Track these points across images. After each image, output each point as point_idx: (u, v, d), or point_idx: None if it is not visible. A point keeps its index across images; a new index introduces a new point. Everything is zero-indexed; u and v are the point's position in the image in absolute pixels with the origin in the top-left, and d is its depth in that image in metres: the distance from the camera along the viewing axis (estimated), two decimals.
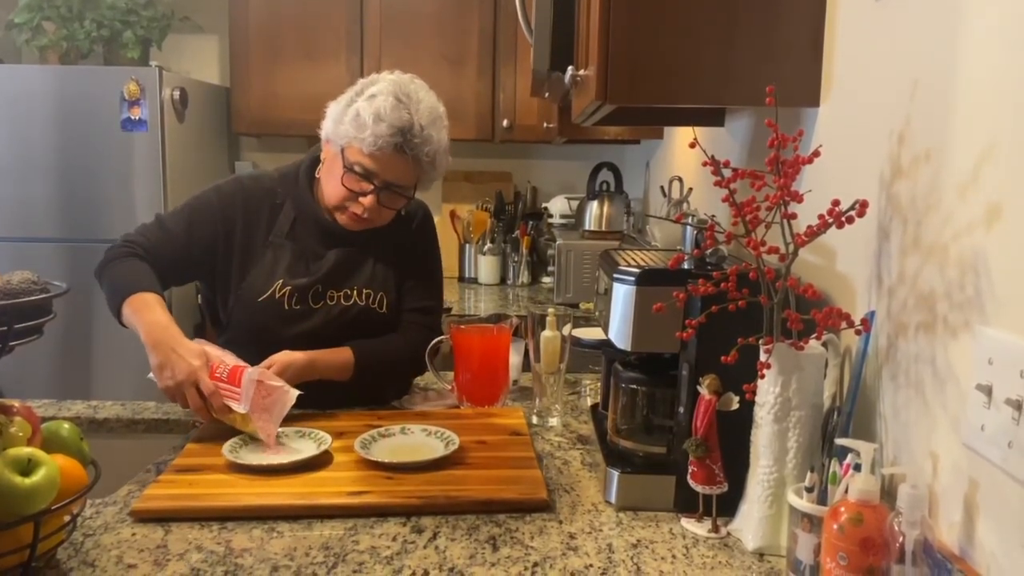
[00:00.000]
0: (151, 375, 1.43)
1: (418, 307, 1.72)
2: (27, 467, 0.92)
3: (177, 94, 3.17)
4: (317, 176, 1.65)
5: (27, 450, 0.93)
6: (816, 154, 1.06)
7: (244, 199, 1.64)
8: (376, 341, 1.64)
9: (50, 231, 3.15)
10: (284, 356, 1.51)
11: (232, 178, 1.71)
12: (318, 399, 1.56)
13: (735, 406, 1.09)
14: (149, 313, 1.48)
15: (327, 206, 1.62)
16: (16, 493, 0.89)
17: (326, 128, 1.59)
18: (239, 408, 1.37)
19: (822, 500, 0.98)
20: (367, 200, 1.55)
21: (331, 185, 1.59)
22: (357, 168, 1.54)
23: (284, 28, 3.42)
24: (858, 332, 1.00)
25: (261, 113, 3.45)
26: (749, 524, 1.09)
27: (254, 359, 1.50)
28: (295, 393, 1.43)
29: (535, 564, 1.04)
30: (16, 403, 1.04)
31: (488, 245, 3.64)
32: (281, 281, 1.59)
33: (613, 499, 1.22)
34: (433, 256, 1.79)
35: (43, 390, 2.98)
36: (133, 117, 3.08)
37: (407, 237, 1.72)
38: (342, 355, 1.59)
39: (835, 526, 0.89)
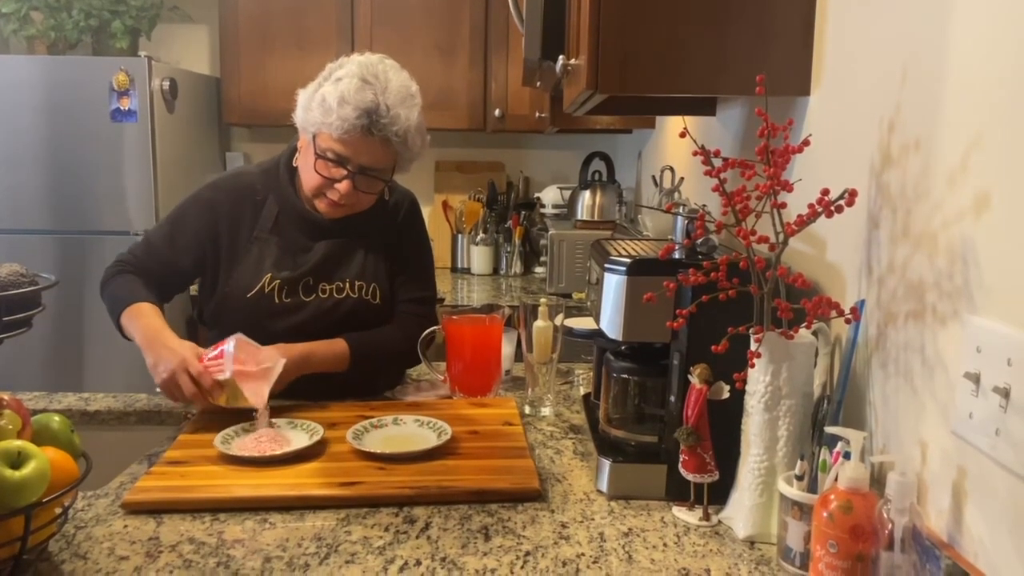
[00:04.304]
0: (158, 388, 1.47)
1: (413, 298, 1.72)
2: (17, 460, 0.92)
3: (167, 84, 3.15)
4: (295, 166, 1.64)
5: (17, 443, 0.93)
6: (806, 143, 1.06)
7: (224, 200, 1.64)
8: (371, 332, 1.64)
9: (39, 223, 3.14)
10: (278, 349, 1.51)
11: (210, 182, 1.70)
12: (310, 390, 1.56)
13: (726, 395, 1.10)
14: (142, 319, 1.53)
15: (307, 195, 1.61)
16: (6, 486, 0.89)
17: (298, 116, 1.59)
18: (223, 376, 1.39)
19: (812, 488, 0.98)
20: (342, 186, 1.54)
21: (307, 173, 1.58)
22: (329, 154, 1.54)
23: (274, 18, 3.40)
24: (848, 321, 1.00)
25: (252, 103, 3.44)
26: (740, 512, 1.10)
27: None
28: (282, 360, 1.44)
29: (527, 553, 1.04)
30: (6, 396, 1.04)
31: (481, 235, 3.64)
32: (269, 275, 1.59)
33: (605, 488, 1.22)
34: (423, 246, 1.79)
35: (34, 383, 2.98)
36: (123, 108, 3.06)
37: (395, 228, 1.72)
38: (337, 346, 1.59)
39: (825, 514, 0.90)
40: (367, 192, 1.58)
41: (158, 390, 1.47)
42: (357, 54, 1.59)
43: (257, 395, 1.39)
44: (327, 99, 1.51)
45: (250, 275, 1.59)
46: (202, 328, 1.74)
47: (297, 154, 1.64)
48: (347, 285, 1.63)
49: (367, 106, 1.49)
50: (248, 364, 1.41)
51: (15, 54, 3.43)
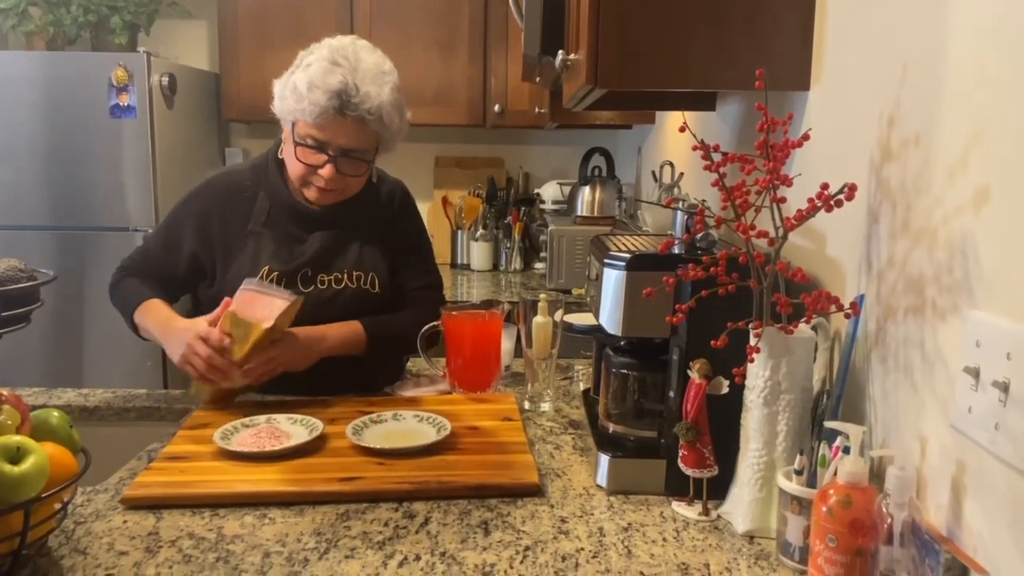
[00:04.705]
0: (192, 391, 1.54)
1: (422, 285, 1.75)
2: (16, 455, 0.91)
3: (166, 80, 3.14)
4: (282, 158, 1.64)
5: (16, 438, 0.93)
6: (806, 138, 1.06)
7: (215, 204, 1.64)
8: (386, 316, 1.66)
9: (38, 219, 3.13)
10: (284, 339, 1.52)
11: (201, 184, 1.70)
12: (310, 385, 1.56)
13: (725, 390, 1.10)
14: (154, 314, 1.58)
15: (296, 186, 1.62)
16: (5, 481, 0.89)
17: (275, 106, 1.59)
18: (231, 310, 1.42)
19: (811, 483, 0.98)
20: (325, 171, 1.54)
21: (291, 163, 1.59)
22: (308, 140, 1.54)
23: (273, 13, 3.39)
24: (847, 316, 1.00)
25: (251, 99, 3.43)
26: (739, 507, 1.10)
27: None
28: (298, 298, 1.47)
29: (527, 548, 1.04)
30: (5, 391, 1.04)
31: (480, 231, 3.63)
32: (268, 267, 1.59)
33: (604, 483, 1.22)
34: (422, 234, 1.81)
35: (34, 379, 2.98)
36: (121, 103, 3.06)
37: (391, 218, 1.73)
38: (351, 327, 1.61)
39: (824, 508, 0.90)
40: (352, 175, 1.58)
41: (194, 395, 1.53)
42: (329, 38, 1.59)
43: (267, 318, 1.42)
44: (298, 86, 1.51)
45: (247, 269, 1.59)
46: None
47: (282, 146, 1.64)
48: (345, 275, 1.63)
49: (336, 87, 1.49)
50: (260, 305, 1.44)
51: (14, 50, 3.43)
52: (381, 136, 1.58)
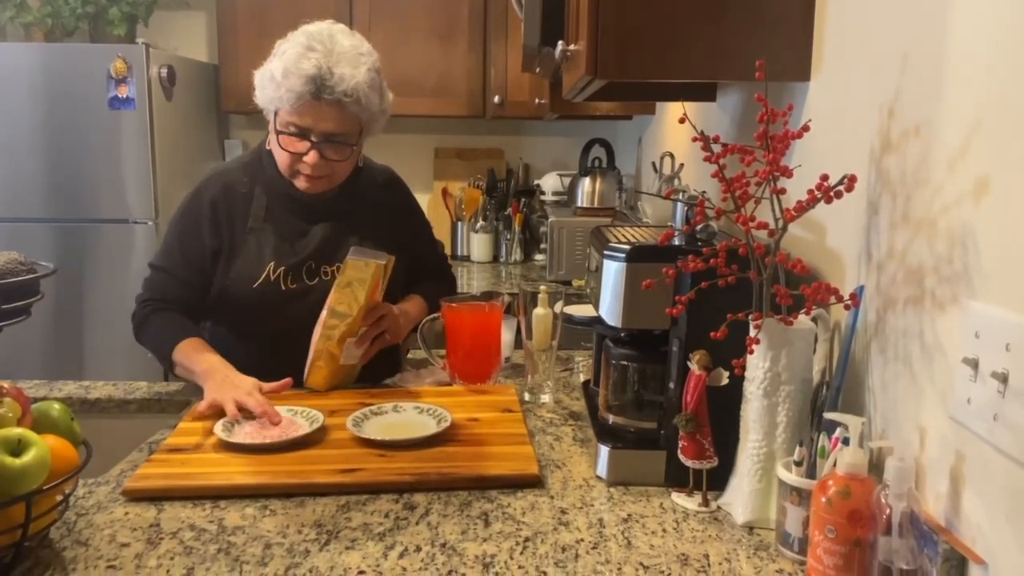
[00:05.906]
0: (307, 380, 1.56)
1: (440, 258, 1.91)
2: (17, 447, 0.92)
3: (164, 72, 3.14)
4: (269, 148, 1.63)
5: (17, 430, 0.93)
6: (806, 129, 1.06)
7: (220, 191, 1.63)
8: (432, 287, 1.76)
9: (38, 212, 3.13)
10: (385, 306, 1.59)
11: (200, 184, 1.67)
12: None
13: (725, 381, 1.10)
14: (198, 363, 1.51)
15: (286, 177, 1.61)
16: (7, 473, 0.89)
17: (256, 97, 1.59)
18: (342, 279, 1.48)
19: (811, 474, 0.98)
20: (310, 158, 1.54)
21: (277, 153, 1.59)
22: (291, 128, 1.53)
23: (272, 4, 3.38)
24: (847, 307, 1.00)
25: (250, 90, 3.39)
26: (739, 498, 1.10)
27: (253, 346, 1.50)
28: (391, 258, 1.54)
29: (527, 539, 1.04)
30: (6, 384, 1.04)
31: (480, 223, 3.63)
32: (273, 263, 1.59)
33: (604, 474, 1.22)
34: (424, 215, 1.88)
35: (35, 372, 2.99)
36: (120, 95, 3.05)
37: (390, 205, 1.74)
38: (418, 301, 1.73)
39: (823, 499, 0.90)
40: (337, 160, 1.57)
41: (309, 384, 1.53)
42: (307, 23, 1.58)
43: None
44: (274, 74, 1.51)
45: (252, 266, 1.59)
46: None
47: (267, 136, 1.63)
48: None
49: (311, 72, 1.48)
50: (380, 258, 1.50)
51: (12, 41, 3.42)
52: (361, 118, 1.56)
